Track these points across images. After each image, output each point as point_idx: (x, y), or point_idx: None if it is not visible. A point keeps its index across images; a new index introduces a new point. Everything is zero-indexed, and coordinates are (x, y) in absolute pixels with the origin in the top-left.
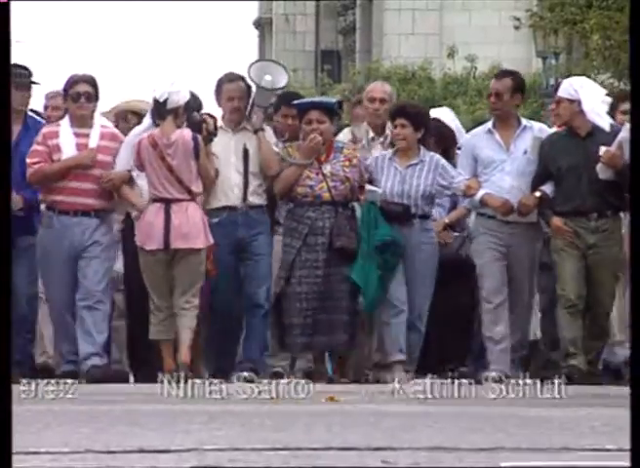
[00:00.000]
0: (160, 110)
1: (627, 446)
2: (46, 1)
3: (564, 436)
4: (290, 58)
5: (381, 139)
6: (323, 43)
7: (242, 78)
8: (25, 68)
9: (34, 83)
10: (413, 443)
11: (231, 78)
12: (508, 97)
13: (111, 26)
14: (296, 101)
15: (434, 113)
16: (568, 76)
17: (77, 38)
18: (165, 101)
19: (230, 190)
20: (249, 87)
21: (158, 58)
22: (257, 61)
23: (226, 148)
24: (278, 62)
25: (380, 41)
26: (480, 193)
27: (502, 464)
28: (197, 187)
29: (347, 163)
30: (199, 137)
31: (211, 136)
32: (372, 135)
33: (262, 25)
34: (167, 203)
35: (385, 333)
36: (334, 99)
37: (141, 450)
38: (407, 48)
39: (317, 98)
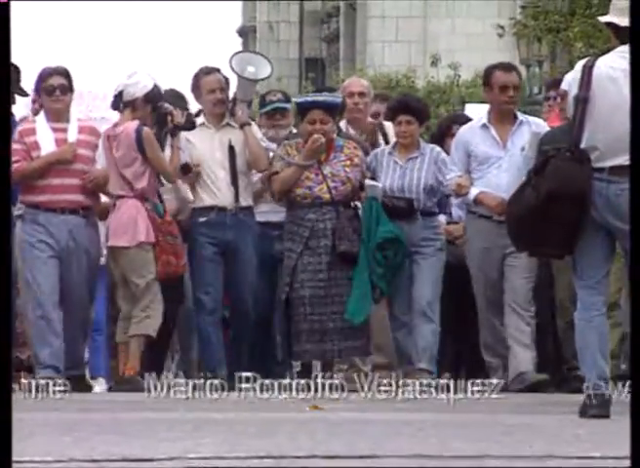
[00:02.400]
0: (117, 103)
1: (612, 453)
2: (47, 1)
3: (548, 443)
4: (274, 66)
5: (364, 137)
6: (307, 51)
7: (219, 70)
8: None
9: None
10: (396, 450)
11: (208, 71)
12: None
13: (95, 33)
14: (298, 99)
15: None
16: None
17: (61, 42)
18: (120, 94)
19: (218, 189)
20: (227, 79)
21: (140, 65)
22: (238, 53)
23: (210, 145)
24: (261, 54)
25: (363, 48)
26: (474, 192)
27: None
28: (140, 183)
29: (348, 162)
30: (144, 130)
31: (177, 128)
32: (352, 132)
33: (246, 33)
34: (116, 199)
35: (394, 344)
36: (338, 98)
37: (125, 459)
38: (391, 55)
39: (321, 97)
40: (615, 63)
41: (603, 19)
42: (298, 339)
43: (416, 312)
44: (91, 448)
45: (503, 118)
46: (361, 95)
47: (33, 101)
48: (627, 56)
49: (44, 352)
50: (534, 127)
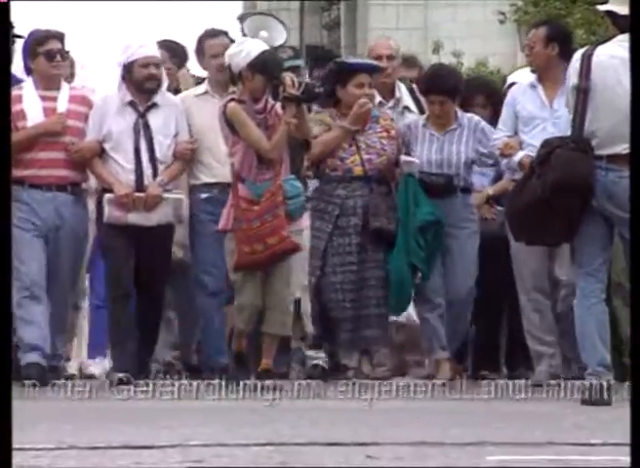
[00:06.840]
0: (232, 77)
1: (611, 440)
2: (48, 1)
3: (548, 430)
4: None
5: (391, 104)
6: (308, 39)
7: (225, 33)
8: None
9: (18, 37)
10: (397, 438)
11: (213, 33)
12: (541, 48)
13: (98, 14)
14: (345, 60)
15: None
16: None
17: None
18: (230, 67)
19: (221, 164)
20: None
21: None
22: (251, 15)
23: (212, 115)
24: (276, 17)
25: (364, 36)
26: (520, 154)
27: (487, 458)
28: (235, 161)
29: (385, 134)
30: (229, 105)
31: (287, 100)
32: (379, 99)
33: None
34: None
35: (423, 329)
36: (379, 65)
37: (125, 446)
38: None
39: (367, 60)
40: (614, 52)
41: (602, 7)
42: (336, 327)
43: (451, 303)
44: (91, 435)
45: (551, 77)
46: (390, 58)
47: (27, 68)
48: (626, 44)
49: (31, 332)
50: None
